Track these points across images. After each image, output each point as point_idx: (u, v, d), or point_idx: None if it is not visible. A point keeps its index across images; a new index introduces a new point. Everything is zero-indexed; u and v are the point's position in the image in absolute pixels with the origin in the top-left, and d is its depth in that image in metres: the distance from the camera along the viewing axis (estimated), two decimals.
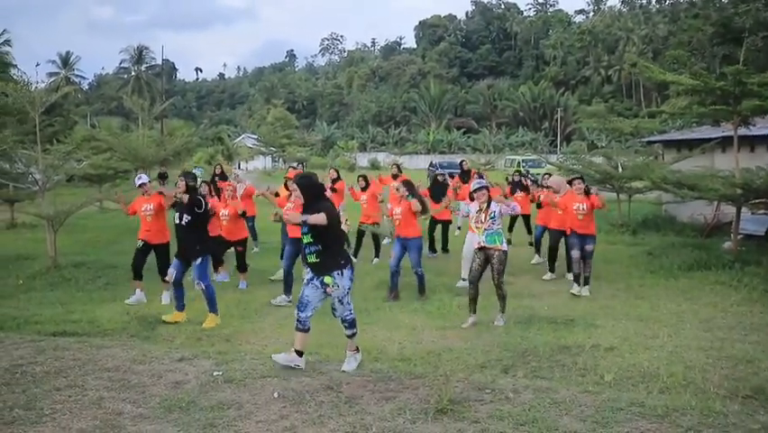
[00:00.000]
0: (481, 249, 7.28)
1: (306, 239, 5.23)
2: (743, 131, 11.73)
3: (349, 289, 5.30)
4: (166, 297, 8.57)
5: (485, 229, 7.23)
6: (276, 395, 4.58)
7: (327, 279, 5.15)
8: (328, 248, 5.20)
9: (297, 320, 5.24)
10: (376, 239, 11.70)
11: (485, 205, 7.29)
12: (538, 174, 20.36)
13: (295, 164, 17.87)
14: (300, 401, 4.47)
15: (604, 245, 13.25)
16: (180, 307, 7.57)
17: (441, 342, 6.52)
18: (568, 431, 3.91)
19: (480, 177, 9.08)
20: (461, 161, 14.31)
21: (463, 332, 6.95)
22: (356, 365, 5.29)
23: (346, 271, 5.23)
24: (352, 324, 5.37)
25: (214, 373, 5.06)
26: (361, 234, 11.61)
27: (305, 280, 5.33)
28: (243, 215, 9.71)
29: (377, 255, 11.57)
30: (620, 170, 14.91)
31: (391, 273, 8.78)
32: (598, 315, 7.63)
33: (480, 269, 7.34)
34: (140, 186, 8.81)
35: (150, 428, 4.08)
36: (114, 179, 19.63)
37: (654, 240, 13.42)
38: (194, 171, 9.19)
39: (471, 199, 7.76)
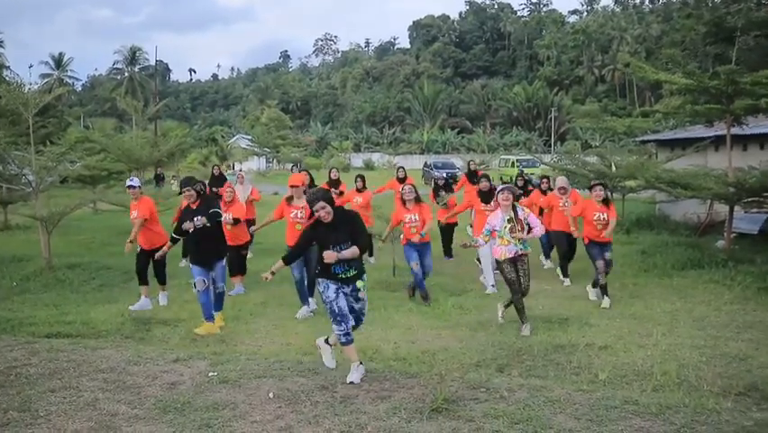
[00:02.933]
0: (518, 258, 6.93)
1: None
2: (735, 130, 11.78)
3: None
4: (163, 298, 8.56)
5: (521, 239, 6.91)
6: (271, 395, 4.59)
7: (360, 283, 5.12)
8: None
9: (345, 334, 4.98)
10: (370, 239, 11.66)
11: (512, 213, 6.90)
12: (532, 173, 20.25)
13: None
14: (295, 401, 4.47)
15: None
16: (211, 316, 7.18)
17: (436, 341, 6.53)
18: (562, 429, 3.93)
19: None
20: (469, 161, 14.54)
21: (458, 331, 6.96)
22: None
23: None
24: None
25: (210, 374, 5.06)
26: None
27: (332, 292, 5.01)
28: (237, 222, 8.94)
29: (371, 254, 11.56)
30: (614, 169, 14.94)
31: (421, 279, 8.52)
32: (592, 314, 7.66)
33: (518, 276, 7.02)
34: (128, 187, 8.45)
35: (145, 429, 4.08)
36: (108, 181, 19.57)
37: (648, 239, 13.44)
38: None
39: (486, 202, 7.74)
